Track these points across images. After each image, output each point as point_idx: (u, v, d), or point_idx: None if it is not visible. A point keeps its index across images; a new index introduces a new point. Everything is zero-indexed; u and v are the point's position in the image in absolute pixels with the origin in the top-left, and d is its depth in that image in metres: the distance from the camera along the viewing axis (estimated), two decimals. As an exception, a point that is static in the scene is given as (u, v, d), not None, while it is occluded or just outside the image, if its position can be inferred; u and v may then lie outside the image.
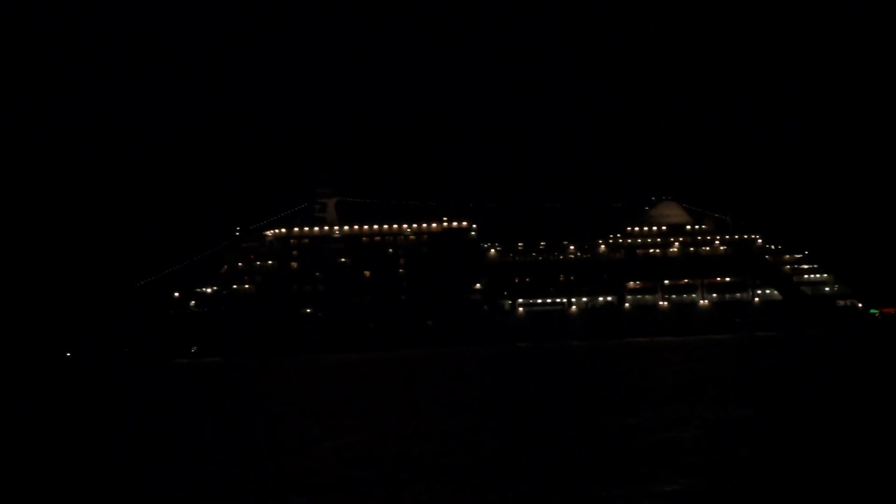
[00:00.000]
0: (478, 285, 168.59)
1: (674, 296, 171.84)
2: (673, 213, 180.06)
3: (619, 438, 33.96)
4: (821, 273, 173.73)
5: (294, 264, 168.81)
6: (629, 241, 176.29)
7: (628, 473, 26.80)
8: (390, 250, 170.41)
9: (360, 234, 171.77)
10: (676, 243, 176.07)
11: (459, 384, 66.70)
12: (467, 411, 45.80)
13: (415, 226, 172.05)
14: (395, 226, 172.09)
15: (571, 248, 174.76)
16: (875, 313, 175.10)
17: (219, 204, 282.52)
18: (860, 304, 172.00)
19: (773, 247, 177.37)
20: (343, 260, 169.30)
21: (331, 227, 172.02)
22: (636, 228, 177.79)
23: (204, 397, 67.34)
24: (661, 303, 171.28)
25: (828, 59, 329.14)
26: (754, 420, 37.69)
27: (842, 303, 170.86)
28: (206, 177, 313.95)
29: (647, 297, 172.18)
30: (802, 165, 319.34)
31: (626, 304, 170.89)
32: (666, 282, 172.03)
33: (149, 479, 29.68)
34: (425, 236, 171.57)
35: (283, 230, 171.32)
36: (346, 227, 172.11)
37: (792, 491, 23.27)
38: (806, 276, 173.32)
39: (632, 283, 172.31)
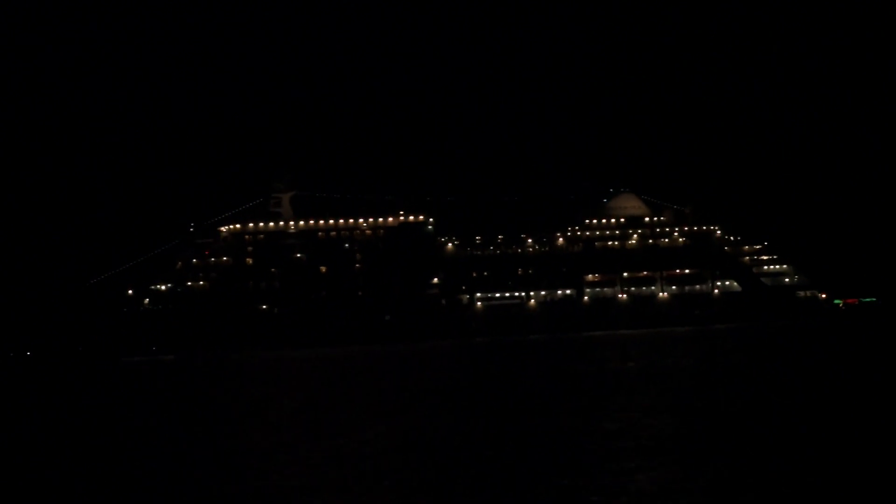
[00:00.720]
0: (435, 280, 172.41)
1: (633, 288, 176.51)
2: (631, 204, 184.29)
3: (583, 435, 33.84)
4: (780, 264, 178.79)
5: (249, 260, 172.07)
6: (587, 233, 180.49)
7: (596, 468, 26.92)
8: (346, 245, 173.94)
9: (316, 228, 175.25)
10: (635, 235, 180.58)
11: (419, 380, 68.74)
12: (428, 410, 45.74)
13: (371, 220, 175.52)
14: (351, 220, 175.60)
15: (529, 241, 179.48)
16: (839, 304, 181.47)
17: (172, 200, 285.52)
18: (822, 295, 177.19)
19: (732, 238, 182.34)
20: (299, 255, 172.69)
21: (286, 222, 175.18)
22: (594, 221, 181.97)
23: (159, 397, 69.11)
24: (620, 296, 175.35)
25: (785, 46, 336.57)
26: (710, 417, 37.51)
27: (802, 294, 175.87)
28: (160, 172, 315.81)
29: (605, 290, 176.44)
30: (761, 156, 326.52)
31: (585, 298, 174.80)
32: (625, 274, 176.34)
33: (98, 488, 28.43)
34: (381, 231, 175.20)
35: (238, 226, 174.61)
36: (301, 222, 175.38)
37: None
38: (766, 267, 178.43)
39: (590, 276, 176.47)
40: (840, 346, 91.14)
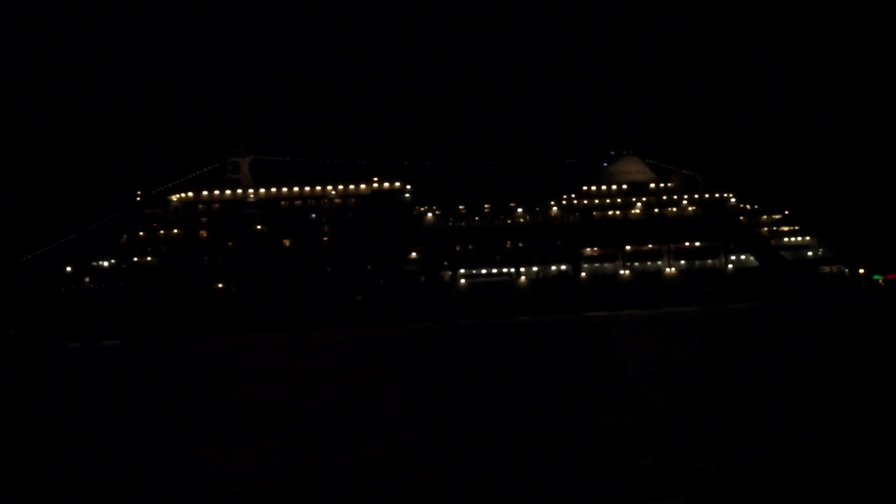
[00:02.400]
0: (413, 254, 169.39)
1: (636, 263, 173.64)
2: (634, 169, 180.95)
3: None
4: (802, 236, 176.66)
5: (203, 233, 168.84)
6: (585, 202, 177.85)
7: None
8: (313, 215, 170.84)
9: (278, 197, 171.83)
10: (639, 204, 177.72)
11: (394, 369, 66.94)
12: (406, 405, 45.56)
13: (340, 187, 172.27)
14: (318, 187, 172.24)
15: (519, 210, 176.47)
16: (878, 279, 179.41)
17: (116, 165, 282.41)
18: (846, 270, 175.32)
19: (748, 207, 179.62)
20: (259, 227, 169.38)
21: (245, 189, 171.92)
22: (593, 188, 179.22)
23: (99, 389, 67.26)
24: (621, 272, 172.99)
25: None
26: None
27: (826, 269, 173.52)
28: (103, 134, 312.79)
29: (605, 265, 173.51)
30: (779, 113, 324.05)
31: (583, 274, 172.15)
32: (627, 248, 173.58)
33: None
34: (352, 199, 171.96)
35: (191, 194, 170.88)
36: (262, 190, 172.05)
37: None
38: (786, 239, 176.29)
39: (588, 249, 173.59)
40: (871, 326, 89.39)
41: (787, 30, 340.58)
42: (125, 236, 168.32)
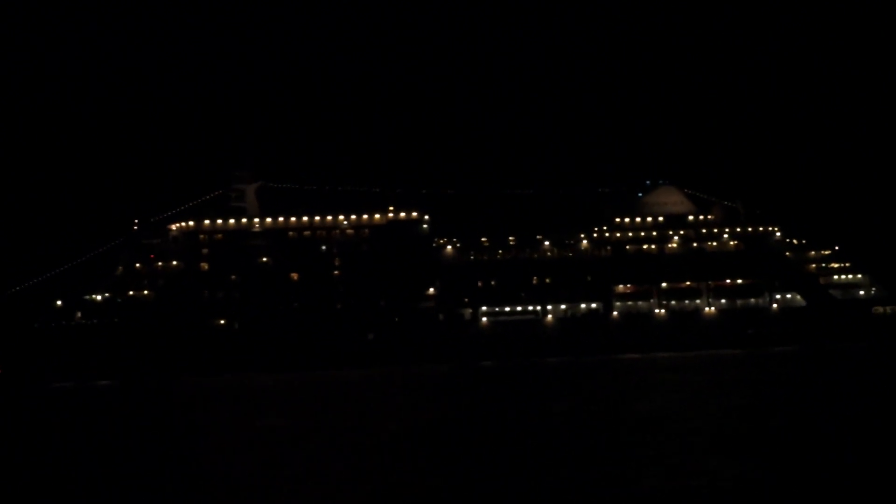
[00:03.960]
0: (431, 290, 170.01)
1: (673, 302, 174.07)
2: (671, 199, 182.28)
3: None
4: (854, 273, 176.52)
5: (204, 265, 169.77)
6: (618, 235, 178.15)
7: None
8: (323, 247, 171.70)
9: (286, 227, 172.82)
10: (675, 237, 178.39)
11: (409, 416, 67.86)
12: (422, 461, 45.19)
13: (353, 217, 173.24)
14: (329, 217, 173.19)
15: (546, 244, 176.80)
16: None
17: (113, 191, 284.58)
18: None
19: (794, 241, 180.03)
20: (264, 259, 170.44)
21: (250, 218, 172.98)
22: (626, 220, 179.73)
23: (91, 432, 67.86)
24: (656, 310, 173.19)
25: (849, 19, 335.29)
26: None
27: (880, 310, 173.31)
28: (98, 157, 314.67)
29: (639, 303, 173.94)
30: (830, 142, 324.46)
31: (615, 313, 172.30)
32: (663, 285, 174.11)
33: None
34: (366, 230, 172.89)
35: (192, 223, 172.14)
36: (268, 220, 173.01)
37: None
38: (835, 276, 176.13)
39: (621, 286, 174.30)
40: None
41: (840, 56, 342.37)
42: (120, 268, 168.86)
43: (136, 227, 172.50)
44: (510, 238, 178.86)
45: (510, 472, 41.32)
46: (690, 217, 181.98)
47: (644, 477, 38.35)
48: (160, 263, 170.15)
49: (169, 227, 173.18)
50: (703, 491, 35.21)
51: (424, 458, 45.36)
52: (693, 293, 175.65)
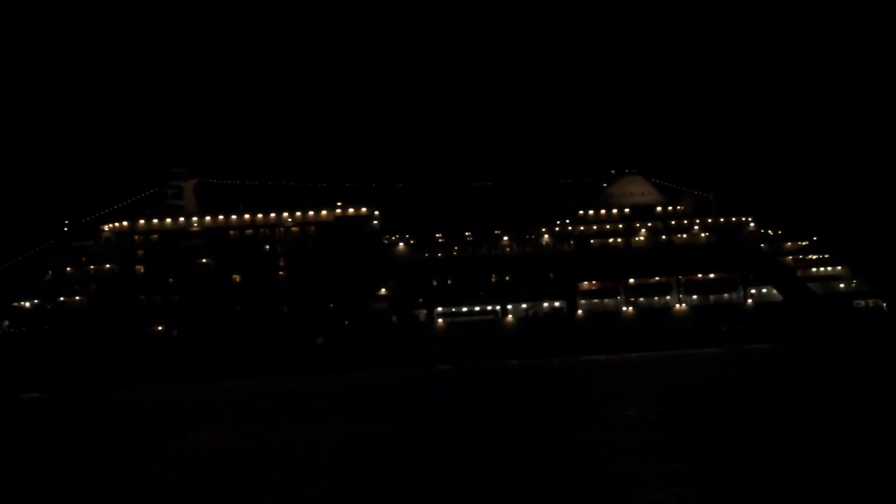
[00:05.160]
0: (383, 290, 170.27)
1: (641, 299, 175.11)
2: (638, 190, 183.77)
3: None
4: (833, 265, 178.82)
5: (140, 267, 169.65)
6: (582, 228, 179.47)
7: None
8: (267, 247, 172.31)
9: (227, 226, 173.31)
10: (643, 230, 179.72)
11: (361, 427, 67.50)
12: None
13: (298, 214, 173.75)
14: (273, 215, 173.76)
15: (506, 239, 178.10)
16: None
17: (40, 191, 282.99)
18: (884, 305, 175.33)
19: (769, 232, 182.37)
20: (204, 260, 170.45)
21: (188, 217, 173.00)
22: (590, 212, 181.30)
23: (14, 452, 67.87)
24: (624, 308, 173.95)
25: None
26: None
27: (861, 303, 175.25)
28: (25, 155, 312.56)
29: (605, 300, 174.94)
30: (805, 127, 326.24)
31: (579, 311, 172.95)
32: (630, 281, 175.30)
33: None
34: (312, 227, 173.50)
35: (125, 223, 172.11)
36: (207, 218, 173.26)
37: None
38: (814, 269, 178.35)
39: (586, 283, 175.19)
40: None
41: (815, 36, 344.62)
42: (50, 272, 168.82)
43: (65, 229, 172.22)
44: (466, 234, 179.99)
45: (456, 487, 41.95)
46: (659, 208, 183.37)
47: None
48: (92, 267, 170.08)
49: (101, 227, 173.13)
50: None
51: (367, 474, 45.87)
52: (662, 289, 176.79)
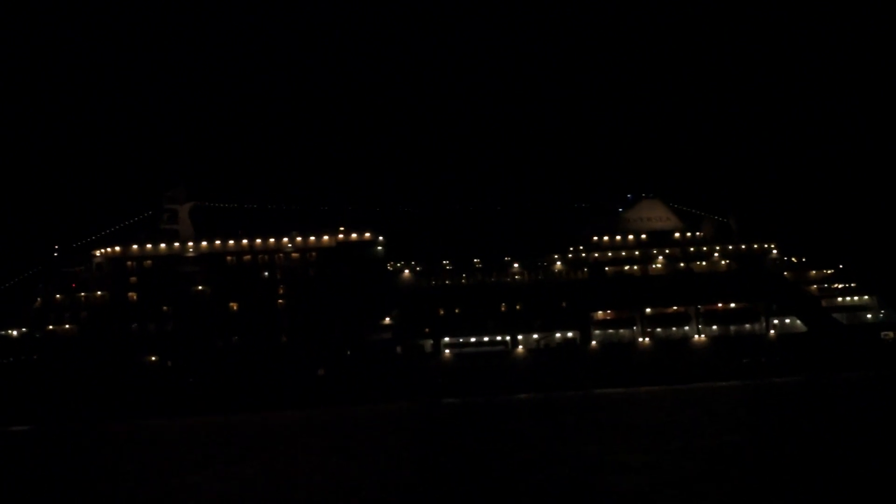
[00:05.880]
0: (387, 319, 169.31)
1: (658, 329, 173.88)
2: (656, 215, 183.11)
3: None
4: (859, 294, 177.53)
5: (133, 295, 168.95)
6: (596, 255, 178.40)
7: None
8: (265, 273, 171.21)
9: (224, 251, 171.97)
10: (661, 257, 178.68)
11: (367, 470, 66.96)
12: None
13: (298, 239, 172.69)
14: (272, 240, 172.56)
15: (516, 266, 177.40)
16: None
17: (29, 214, 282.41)
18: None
19: (793, 260, 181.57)
20: (200, 288, 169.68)
21: (183, 242, 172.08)
22: (606, 238, 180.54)
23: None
24: (640, 339, 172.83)
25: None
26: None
27: (889, 335, 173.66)
28: (12, 177, 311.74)
29: (621, 331, 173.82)
30: (828, 152, 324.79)
31: (593, 342, 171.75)
32: (647, 310, 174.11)
33: None
34: (313, 253, 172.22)
35: (118, 249, 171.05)
36: (204, 243, 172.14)
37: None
38: (839, 298, 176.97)
39: (600, 312, 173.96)
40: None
41: (837, 63, 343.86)
42: (39, 300, 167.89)
43: (55, 254, 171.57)
44: (475, 260, 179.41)
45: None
46: (677, 234, 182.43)
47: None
48: (83, 294, 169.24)
49: (92, 252, 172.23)
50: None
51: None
52: (681, 319, 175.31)
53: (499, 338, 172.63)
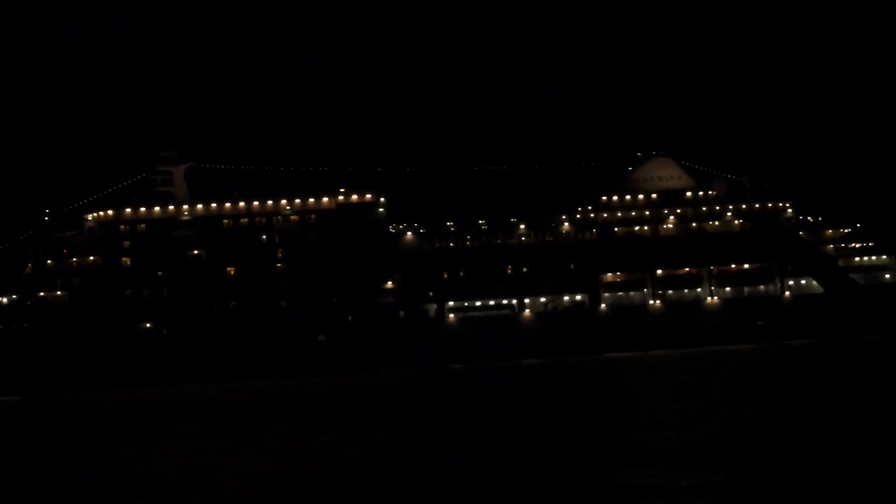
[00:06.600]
0: (389, 283, 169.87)
1: (669, 291, 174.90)
2: (667, 173, 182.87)
3: None
4: (878, 254, 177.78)
5: (126, 260, 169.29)
6: (605, 215, 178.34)
7: None
8: (263, 237, 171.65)
9: (221, 214, 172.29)
10: (672, 217, 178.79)
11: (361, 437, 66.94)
12: None
13: (298, 201, 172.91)
14: (270, 202, 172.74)
15: (523, 227, 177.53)
16: None
17: (19, 178, 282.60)
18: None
19: (808, 219, 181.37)
20: (196, 252, 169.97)
21: (178, 205, 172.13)
22: (615, 198, 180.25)
23: None
24: (651, 301, 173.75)
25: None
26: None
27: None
28: (2, 142, 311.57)
29: (631, 293, 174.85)
30: (844, 104, 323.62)
31: (602, 305, 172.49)
32: (658, 272, 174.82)
33: None
34: (313, 216, 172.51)
35: (111, 212, 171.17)
36: (199, 206, 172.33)
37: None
38: (857, 258, 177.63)
39: (610, 274, 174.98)
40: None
41: (861, 17, 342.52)
42: (30, 265, 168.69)
43: (46, 218, 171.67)
44: (480, 222, 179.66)
45: None
46: (688, 193, 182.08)
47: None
48: (75, 259, 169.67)
49: (84, 216, 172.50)
50: None
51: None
52: (693, 281, 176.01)
53: (505, 301, 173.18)
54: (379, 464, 51.53)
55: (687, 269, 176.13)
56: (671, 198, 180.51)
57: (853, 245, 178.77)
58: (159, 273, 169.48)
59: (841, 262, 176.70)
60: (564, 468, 46.02)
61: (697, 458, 46.75)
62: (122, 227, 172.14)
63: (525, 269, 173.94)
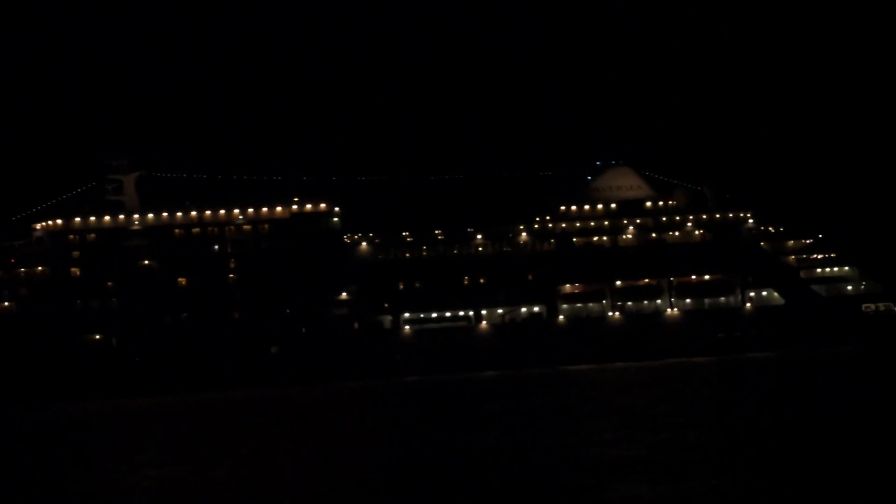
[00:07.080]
0: (344, 294, 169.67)
1: (629, 303, 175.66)
2: (627, 183, 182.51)
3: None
4: (839, 265, 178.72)
5: (76, 270, 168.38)
6: (564, 225, 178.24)
7: None
8: (215, 247, 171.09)
9: (172, 224, 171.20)
10: (631, 227, 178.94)
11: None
12: None
13: (251, 211, 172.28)
14: (223, 211, 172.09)
15: (480, 238, 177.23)
16: None
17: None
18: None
19: (770, 229, 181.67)
20: (147, 262, 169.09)
21: (129, 215, 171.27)
22: (574, 208, 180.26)
23: None
24: (610, 313, 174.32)
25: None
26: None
27: (870, 307, 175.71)
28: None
29: (590, 305, 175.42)
30: (806, 112, 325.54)
31: (561, 317, 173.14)
32: (617, 283, 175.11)
33: None
34: (266, 225, 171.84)
35: (59, 221, 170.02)
36: (150, 215, 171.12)
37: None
38: (818, 269, 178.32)
39: (568, 285, 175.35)
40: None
41: (819, 21, 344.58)
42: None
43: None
44: (436, 232, 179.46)
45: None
46: (648, 203, 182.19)
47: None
48: (23, 269, 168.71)
49: (33, 226, 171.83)
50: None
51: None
52: (653, 292, 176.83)
53: (461, 313, 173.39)
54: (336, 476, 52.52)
55: (646, 280, 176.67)
56: (631, 207, 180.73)
57: (815, 256, 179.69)
58: (109, 283, 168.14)
59: (802, 274, 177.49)
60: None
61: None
62: (71, 236, 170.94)
63: (482, 280, 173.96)
